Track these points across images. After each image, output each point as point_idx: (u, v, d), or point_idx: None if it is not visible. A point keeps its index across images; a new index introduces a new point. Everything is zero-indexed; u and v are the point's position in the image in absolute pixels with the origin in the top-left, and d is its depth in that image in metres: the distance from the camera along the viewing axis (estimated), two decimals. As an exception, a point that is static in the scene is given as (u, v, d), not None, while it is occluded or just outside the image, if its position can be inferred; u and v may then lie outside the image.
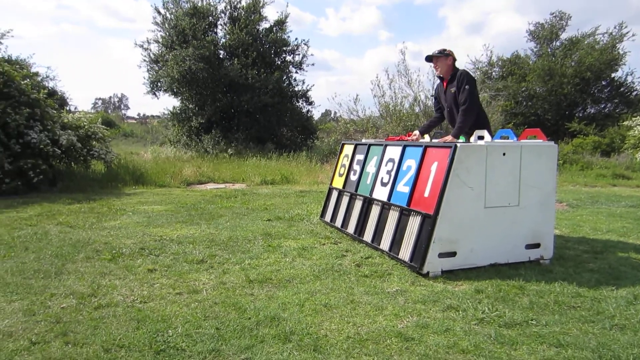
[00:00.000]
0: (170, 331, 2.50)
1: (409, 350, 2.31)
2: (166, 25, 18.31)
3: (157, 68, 18.62)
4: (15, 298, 2.97)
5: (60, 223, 5.37)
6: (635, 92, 19.70)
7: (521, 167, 3.70)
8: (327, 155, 14.64)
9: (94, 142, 9.51)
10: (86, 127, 9.34)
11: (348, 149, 5.37)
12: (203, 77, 16.78)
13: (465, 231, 3.56)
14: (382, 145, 4.62)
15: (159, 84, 18.53)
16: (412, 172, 3.92)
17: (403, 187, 4.01)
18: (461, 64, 23.45)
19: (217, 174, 10.86)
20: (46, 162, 8.16)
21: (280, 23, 18.82)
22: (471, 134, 4.11)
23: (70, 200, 7.17)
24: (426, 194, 3.67)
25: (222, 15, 18.72)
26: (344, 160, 5.38)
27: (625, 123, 14.85)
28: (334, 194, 5.38)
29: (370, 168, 4.71)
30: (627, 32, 19.02)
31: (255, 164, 12.59)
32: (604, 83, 19.82)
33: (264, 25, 18.76)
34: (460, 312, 2.78)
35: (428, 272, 3.46)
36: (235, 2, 18.52)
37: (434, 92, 5.19)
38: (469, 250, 3.59)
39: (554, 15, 20.90)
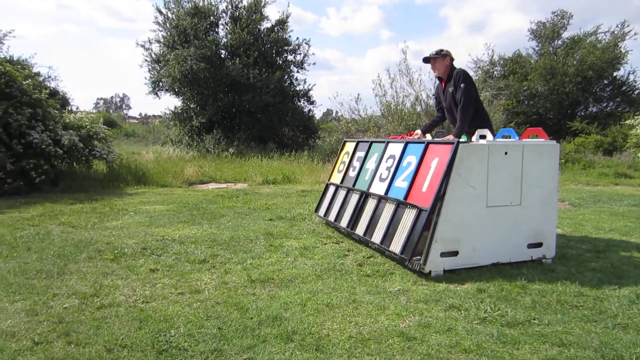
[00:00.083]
0: (172, 331, 2.50)
1: (411, 350, 2.31)
2: (167, 25, 18.32)
3: (158, 68, 18.64)
4: (18, 298, 2.98)
5: (63, 223, 5.38)
6: (637, 91, 19.66)
7: (523, 166, 3.70)
8: (328, 154, 14.63)
9: (96, 142, 9.53)
10: (88, 127, 9.36)
11: (349, 147, 5.36)
12: (204, 76, 16.79)
13: (467, 230, 3.56)
14: (384, 142, 4.61)
15: (160, 84, 18.54)
16: (412, 168, 3.91)
17: (401, 182, 4.00)
18: (463, 63, 23.44)
19: (218, 174, 10.87)
20: (48, 162, 8.18)
21: (282, 23, 18.82)
22: (473, 134, 4.11)
23: (73, 200, 7.18)
24: (424, 189, 3.66)
25: (224, 14, 18.73)
26: (344, 157, 5.36)
27: (628, 122, 14.81)
28: (331, 189, 5.36)
29: (370, 164, 4.69)
30: (629, 31, 18.98)
31: (256, 163, 12.59)
32: (606, 82, 19.78)
33: (266, 24, 18.78)
34: (463, 312, 2.78)
35: (430, 272, 3.45)
36: (237, 2, 18.53)
37: (434, 92, 5.19)
38: (471, 250, 3.59)
39: (556, 14, 20.87)
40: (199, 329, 2.52)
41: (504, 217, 3.67)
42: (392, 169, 4.21)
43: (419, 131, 4.73)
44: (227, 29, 18.50)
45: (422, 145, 3.91)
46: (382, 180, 4.32)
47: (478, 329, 2.55)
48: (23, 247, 4.24)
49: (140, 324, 2.58)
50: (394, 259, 3.87)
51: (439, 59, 4.40)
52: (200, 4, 17.92)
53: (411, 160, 4.00)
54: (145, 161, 11.87)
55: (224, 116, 18.36)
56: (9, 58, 11.97)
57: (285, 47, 18.96)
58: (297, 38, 20.47)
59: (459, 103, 4.21)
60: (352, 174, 4.97)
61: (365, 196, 4.51)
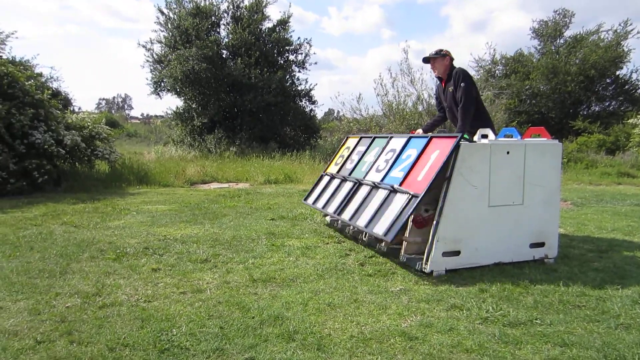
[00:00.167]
0: (174, 330, 2.50)
1: (413, 350, 2.31)
2: (169, 26, 18.36)
3: (160, 68, 18.67)
4: (21, 297, 2.99)
5: (65, 223, 5.40)
6: (640, 90, 19.59)
7: (525, 165, 3.69)
8: (330, 154, 14.61)
9: (98, 142, 9.55)
10: (90, 127, 9.38)
11: (351, 142, 5.35)
12: (206, 76, 16.81)
13: (469, 230, 3.55)
14: (387, 137, 4.60)
15: (162, 84, 18.58)
16: (411, 160, 3.89)
17: (398, 173, 3.96)
18: (464, 62, 23.40)
19: (220, 174, 10.88)
20: (50, 162, 8.20)
21: (283, 23, 18.83)
22: (474, 133, 4.10)
23: (75, 200, 7.20)
24: (419, 178, 3.63)
25: (225, 15, 18.76)
26: (344, 152, 5.35)
27: (630, 121, 14.77)
28: (325, 179, 5.32)
29: (370, 157, 4.66)
30: (632, 30, 18.94)
31: (258, 163, 12.60)
32: (608, 81, 19.73)
33: (267, 24, 18.80)
34: (464, 311, 2.77)
35: (432, 272, 3.45)
36: (238, 2, 18.56)
37: (435, 92, 5.20)
38: (473, 250, 3.58)
39: (558, 12, 20.82)
40: (200, 328, 2.53)
41: (506, 216, 3.66)
42: (391, 161, 4.17)
43: (420, 131, 4.73)
44: (228, 29, 18.52)
45: (425, 140, 3.89)
46: (378, 171, 4.29)
47: (480, 328, 2.55)
48: (26, 247, 4.26)
49: (142, 323, 2.59)
50: (385, 254, 3.86)
51: (439, 59, 4.40)
52: (202, 4, 17.95)
53: (411, 153, 3.98)
54: (147, 161, 11.90)
55: (225, 116, 18.38)
56: (11, 59, 11.99)
57: (287, 47, 18.97)
58: (299, 38, 20.46)
59: (460, 102, 4.21)
60: (350, 165, 4.94)
61: (358, 184, 4.46)
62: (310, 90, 19.68)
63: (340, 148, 5.53)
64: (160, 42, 18.75)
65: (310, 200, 5.34)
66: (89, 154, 9.19)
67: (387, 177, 4.07)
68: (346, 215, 4.31)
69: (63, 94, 17.47)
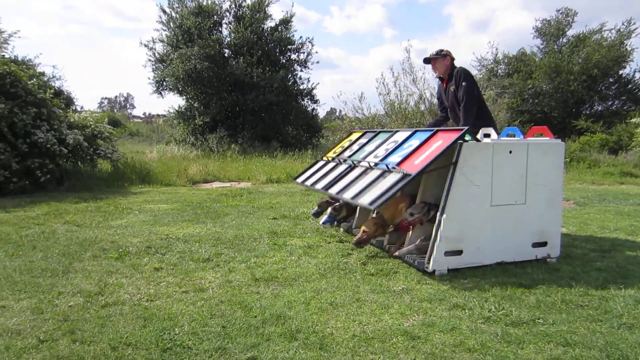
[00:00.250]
0: (176, 329, 2.51)
1: (415, 349, 2.31)
2: (171, 25, 18.37)
3: (162, 67, 18.69)
4: (24, 296, 3.00)
5: (67, 222, 5.41)
6: (643, 89, 19.50)
7: (528, 165, 3.68)
8: (332, 153, 14.62)
9: (100, 142, 9.57)
10: (92, 126, 9.40)
11: (355, 135, 5.26)
12: (208, 76, 16.82)
13: (472, 230, 3.55)
14: (392, 131, 4.53)
15: (164, 83, 18.60)
16: (412, 148, 3.79)
17: (396, 157, 3.84)
18: (467, 62, 23.35)
19: (222, 173, 10.89)
20: (53, 161, 8.22)
21: (286, 22, 18.83)
22: (477, 132, 4.09)
23: (77, 199, 7.22)
24: (416, 162, 3.55)
25: (227, 14, 18.76)
26: (346, 143, 5.25)
27: (633, 120, 14.70)
28: (320, 163, 5.17)
29: (370, 147, 4.53)
30: (635, 29, 18.84)
31: (260, 162, 12.61)
32: (611, 80, 19.64)
33: (269, 23, 18.79)
34: (467, 311, 2.77)
35: (434, 271, 3.45)
36: (240, 1, 18.55)
37: (436, 92, 5.19)
38: (475, 249, 3.57)
39: (560, 11, 20.74)
40: (203, 328, 2.53)
41: (508, 216, 3.65)
42: (391, 149, 4.07)
43: None
44: (230, 28, 18.52)
45: (431, 132, 3.81)
46: (376, 157, 4.17)
47: (482, 328, 2.54)
48: (28, 246, 4.27)
49: (145, 322, 2.59)
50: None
51: (439, 59, 4.40)
52: (204, 3, 17.95)
53: (414, 143, 3.89)
54: (150, 160, 11.91)
55: (227, 115, 18.38)
56: (13, 58, 12.02)
57: (289, 46, 18.96)
58: (301, 37, 20.41)
59: (462, 102, 4.20)
60: (348, 153, 4.83)
61: (353, 166, 4.33)
62: (313, 89, 19.69)
63: (343, 140, 5.47)
64: (162, 41, 18.78)
65: (300, 179, 5.16)
66: (92, 153, 9.20)
67: (384, 161, 3.94)
68: (334, 190, 4.15)
69: (65, 93, 17.50)
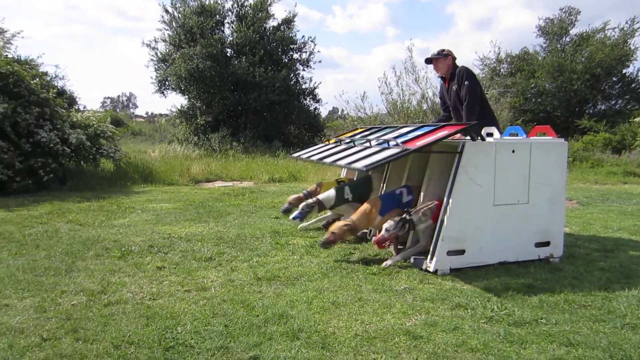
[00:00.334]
0: (179, 328, 2.51)
1: (417, 349, 2.31)
2: (174, 24, 18.40)
3: (164, 67, 18.72)
4: (27, 295, 3.01)
5: (70, 221, 5.43)
6: (646, 88, 19.42)
7: (531, 164, 3.67)
8: (334, 153, 14.62)
9: (103, 141, 9.59)
10: (95, 126, 9.42)
11: (360, 129, 5.26)
12: (210, 75, 16.85)
13: (474, 229, 3.54)
14: (398, 126, 4.51)
15: (166, 83, 18.64)
16: (416, 134, 3.75)
17: (398, 140, 3.78)
18: (469, 61, 23.29)
19: (225, 172, 10.90)
20: (56, 160, 8.24)
21: (288, 22, 18.83)
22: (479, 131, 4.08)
23: (80, 198, 7.23)
24: (418, 143, 3.51)
25: (230, 13, 18.79)
26: (349, 134, 5.26)
27: (637, 120, 14.67)
28: (320, 144, 5.18)
29: (373, 136, 4.50)
30: (638, 28, 18.77)
31: (262, 161, 12.61)
32: (614, 79, 19.58)
33: (271, 23, 18.80)
34: (469, 311, 2.77)
35: (436, 270, 3.44)
36: (243, 0, 18.56)
37: (438, 92, 5.18)
38: (477, 249, 3.57)
39: (564, 10, 20.67)
40: (205, 326, 2.53)
41: (511, 215, 3.64)
42: (395, 136, 4.02)
43: None
44: (233, 27, 18.54)
45: (437, 125, 3.77)
46: (378, 140, 4.12)
47: (485, 328, 2.54)
48: (32, 245, 4.28)
49: (147, 321, 2.60)
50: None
51: (441, 59, 4.39)
52: (207, 3, 17.97)
53: (418, 132, 3.82)
54: (152, 160, 11.92)
55: (230, 114, 18.41)
56: (16, 58, 12.05)
57: (291, 46, 18.97)
58: (303, 36, 20.53)
59: (464, 101, 4.19)
60: (349, 139, 4.82)
61: (353, 145, 4.32)
62: (315, 88, 19.71)
63: (346, 133, 5.45)
64: (164, 40, 18.82)
65: (297, 154, 5.20)
66: (94, 153, 9.22)
67: (384, 144, 3.88)
68: (328, 160, 4.13)
69: (68, 93, 17.52)
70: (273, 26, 18.74)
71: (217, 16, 18.21)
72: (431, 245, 3.57)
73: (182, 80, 17.22)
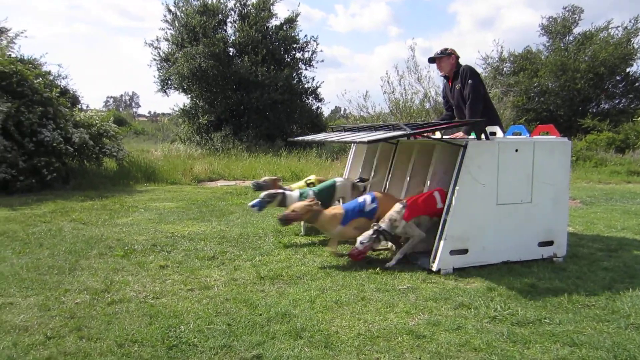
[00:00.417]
0: (182, 327, 2.52)
1: (420, 348, 2.30)
2: (176, 24, 18.44)
3: (167, 66, 18.75)
4: (31, 293, 3.02)
5: (74, 220, 5.45)
6: (650, 87, 19.32)
7: (534, 163, 3.66)
8: (337, 152, 14.60)
9: (106, 140, 9.61)
10: (98, 125, 9.44)
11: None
12: (213, 74, 16.86)
13: (477, 228, 3.53)
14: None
15: (169, 82, 18.67)
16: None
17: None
18: (472, 60, 23.22)
19: (227, 171, 10.92)
20: (59, 160, 8.27)
21: (291, 21, 18.83)
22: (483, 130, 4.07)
23: (83, 197, 7.26)
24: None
25: (232, 12, 18.81)
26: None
27: (641, 119, 14.58)
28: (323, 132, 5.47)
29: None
30: (642, 27, 18.63)
31: (265, 161, 12.62)
32: (618, 78, 19.47)
33: (274, 22, 18.81)
34: (472, 310, 2.76)
35: (439, 270, 3.44)
36: (245, 0, 18.56)
37: (442, 91, 5.16)
38: (480, 248, 3.56)
39: (567, 9, 20.58)
40: (208, 325, 2.54)
41: (514, 215, 3.64)
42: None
43: None
44: (235, 26, 18.56)
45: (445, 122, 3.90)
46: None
47: (488, 327, 2.53)
48: (35, 244, 4.30)
49: (151, 320, 2.61)
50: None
51: (444, 58, 4.38)
52: (209, 2, 18.00)
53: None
54: (155, 159, 11.94)
55: (232, 114, 18.43)
56: (20, 57, 12.09)
57: (294, 45, 18.98)
58: (305, 35, 20.48)
59: (468, 99, 4.17)
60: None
61: (358, 129, 4.51)
62: (317, 88, 19.70)
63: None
64: (167, 40, 18.85)
65: (300, 138, 5.45)
66: (97, 152, 9.25)
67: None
68: (330, 137, 4.25)
69: (71, 92, 17.59)
70: (275, 25, 18.75)
71: (220, 15, 18.23)
72: (424, 233, 3.68)
73: (184, 79, 17.24)
